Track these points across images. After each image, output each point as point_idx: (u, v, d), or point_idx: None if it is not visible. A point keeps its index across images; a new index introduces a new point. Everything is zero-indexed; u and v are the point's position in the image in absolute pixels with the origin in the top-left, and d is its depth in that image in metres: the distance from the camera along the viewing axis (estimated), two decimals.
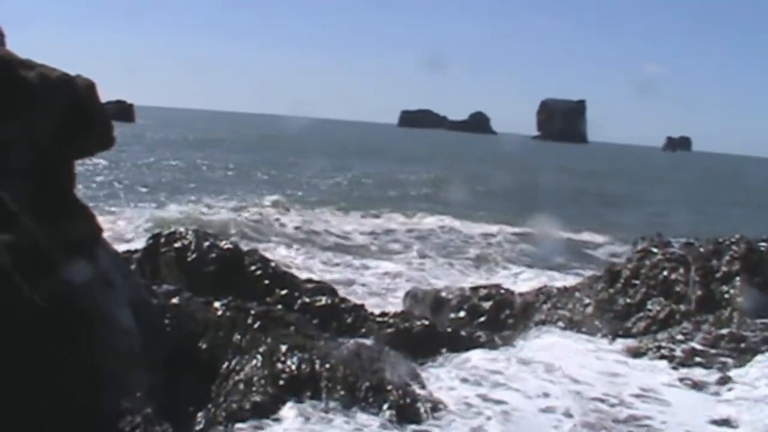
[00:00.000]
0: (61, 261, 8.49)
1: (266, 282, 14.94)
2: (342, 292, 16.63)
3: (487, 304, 17.10)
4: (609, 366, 13.61)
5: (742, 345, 14.12)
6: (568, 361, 13.43)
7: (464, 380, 12.10)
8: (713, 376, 13.15)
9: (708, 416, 11.54)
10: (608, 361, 13.92)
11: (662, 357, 14.03)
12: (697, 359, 13.85)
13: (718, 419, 11.43)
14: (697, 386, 12.75)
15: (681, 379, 13.04)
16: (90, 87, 9.65)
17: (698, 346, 14.28)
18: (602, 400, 11.81)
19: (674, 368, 13.55)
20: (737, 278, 15.61)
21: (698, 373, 13.26)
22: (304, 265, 24.04)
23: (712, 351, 14.09)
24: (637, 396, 12.14)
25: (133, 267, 13.93)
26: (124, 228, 28.81)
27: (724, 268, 15.79)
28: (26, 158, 8.72)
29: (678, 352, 14.17)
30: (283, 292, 14.73)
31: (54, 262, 8.36)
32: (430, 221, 34.20)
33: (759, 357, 13.51)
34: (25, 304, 7.69)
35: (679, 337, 14.71)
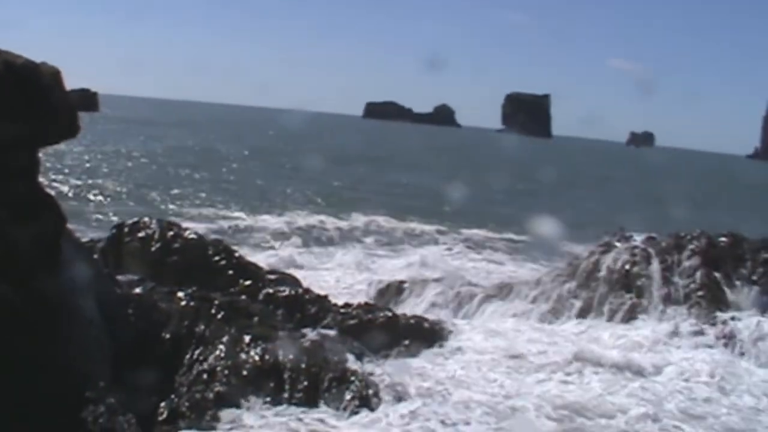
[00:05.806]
0: (28, 252, 8.44)
1: (230, 272, 14.89)
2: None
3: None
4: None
5: None
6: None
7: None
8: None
9: None
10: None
11: None
12: None
13: None
14: None
15: None
16: (55, 74, 9.56)
17: None
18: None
19: None
20: (698, 273, 15.85)
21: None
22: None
23: None
24: None
25: (95, 256, 13.81)
26: None
27: (685, 263, 16.01)
28: None
29: None
30: (247, 282, 14.69)
31: (20, 253, 8.31)
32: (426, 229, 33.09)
33: None
34: None
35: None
